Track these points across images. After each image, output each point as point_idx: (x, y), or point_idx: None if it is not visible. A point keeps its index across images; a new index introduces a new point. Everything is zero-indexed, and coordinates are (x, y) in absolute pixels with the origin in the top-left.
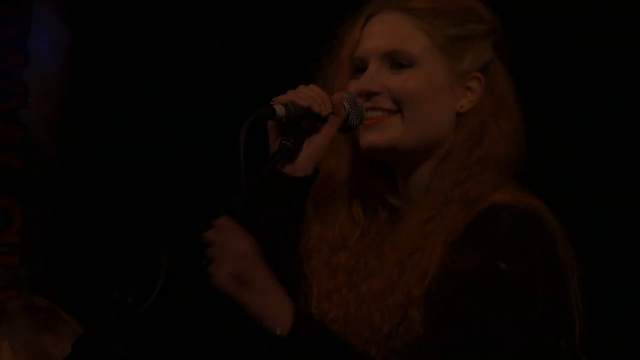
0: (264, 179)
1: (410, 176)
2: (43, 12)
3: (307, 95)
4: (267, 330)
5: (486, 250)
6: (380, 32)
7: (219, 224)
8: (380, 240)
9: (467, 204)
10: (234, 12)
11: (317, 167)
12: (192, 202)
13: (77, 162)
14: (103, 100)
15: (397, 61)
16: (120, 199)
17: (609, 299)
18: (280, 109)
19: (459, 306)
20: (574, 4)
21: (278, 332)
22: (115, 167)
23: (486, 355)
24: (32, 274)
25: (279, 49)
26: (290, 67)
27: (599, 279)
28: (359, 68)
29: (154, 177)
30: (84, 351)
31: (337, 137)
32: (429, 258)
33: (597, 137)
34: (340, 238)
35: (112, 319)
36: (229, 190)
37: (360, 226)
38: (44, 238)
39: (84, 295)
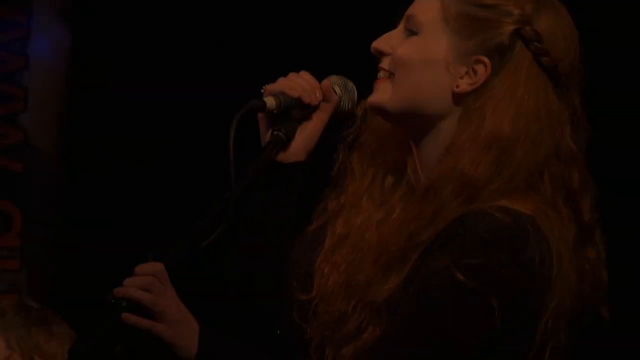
0: (258, 170)
1: (420, 161)
2: (43, 16)
3: (297, 84)
4: (180, 356)
5: (450, 257)
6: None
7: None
8: (385, 220)
9: (457, 204)
10: (234, 14)
11: (310, 153)
12: (191, 207)
13: (76, 166)
14: (103, 104)
15: (408, 27)
16: (120, 203)
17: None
18: (270, 101)
19: (409, 308)
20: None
21: (190, 357)
22: (114, 171)
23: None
24: (32, 277)
25: (275, 48)
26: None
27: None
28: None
29: (153, 180)
30: (81, 355)
31: None
32: (403, 263)
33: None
34: (364, 201)
35: (108, 322)
36: (224, 190)
37: (381, 196)
38: (43, 241)
39: (82, 299)
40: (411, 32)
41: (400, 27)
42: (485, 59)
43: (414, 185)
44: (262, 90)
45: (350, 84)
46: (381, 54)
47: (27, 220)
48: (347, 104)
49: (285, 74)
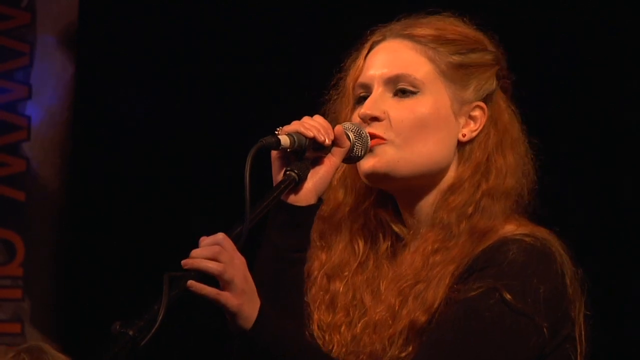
0: (269, 209)
1: (414, 208)
2: (46, 46)
3: (311, 126)
4: (237, 328)
5: (492, 280)
6: (384, 58)
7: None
8: (377, 275)
9: (476, 236)
10: (242, 44)
11: (321, 196)
12: (195, 234)
13: (78, 195)
14: (105, 133)
15: (401, 87)
16: (122, 231)
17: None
18: (284, 139)
19: (454, 328)
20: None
21: (248, 328)
22: (116, 200)
23: None
24: (34, 306)
25: (286, 76)
26: (296, 96)
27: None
28: (362, 96)
29: (155, 209)
30: None
31: (346, 168)
32: (436, 289)
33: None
34: (338, 267)
35: (115, 352)
36: (233, 225)
37: (358, 258)
38: (45, 271)
39: (85, 328)
40: (407, 93)
41: (379, 89)
42: (482, 104)
43: (401, 233)
44: (276, 132)
45: (364, 132)
46: (373, 119)
47: (29, 250)
48: (360, 151)
49: (298, 118)
